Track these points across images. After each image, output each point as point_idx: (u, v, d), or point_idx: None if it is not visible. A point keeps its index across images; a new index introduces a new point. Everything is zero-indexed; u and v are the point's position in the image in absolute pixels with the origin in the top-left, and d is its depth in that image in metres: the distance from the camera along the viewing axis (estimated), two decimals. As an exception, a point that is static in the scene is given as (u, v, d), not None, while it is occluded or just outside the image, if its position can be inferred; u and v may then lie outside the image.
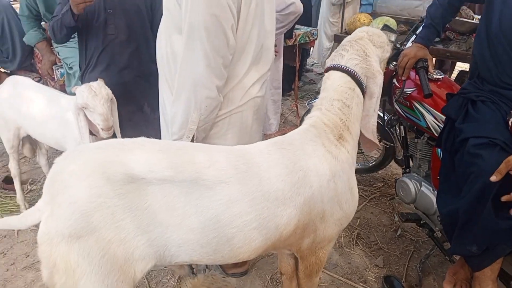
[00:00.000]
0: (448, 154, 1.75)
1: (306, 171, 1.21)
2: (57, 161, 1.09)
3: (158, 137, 2.05)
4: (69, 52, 2.51)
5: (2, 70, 2.98)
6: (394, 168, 3.22)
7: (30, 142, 2.67)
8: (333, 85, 1.34)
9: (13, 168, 2.58)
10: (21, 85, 2.36)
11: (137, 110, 2.32)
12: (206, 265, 2.12)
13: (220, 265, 2.10)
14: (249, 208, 1.13)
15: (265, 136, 3.01)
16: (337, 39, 3.66)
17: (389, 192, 2.96)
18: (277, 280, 2.12)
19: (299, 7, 2.29)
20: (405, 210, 2.23)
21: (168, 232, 1.10)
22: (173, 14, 1.47)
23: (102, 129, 1.92)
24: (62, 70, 2.68)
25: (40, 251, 1.04)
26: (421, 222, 2.11)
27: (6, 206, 2.71)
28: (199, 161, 1.11)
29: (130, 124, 2.31)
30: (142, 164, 1.05)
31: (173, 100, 1.52)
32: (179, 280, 2.10)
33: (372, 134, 1.40)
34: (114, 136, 2.08)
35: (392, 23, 3.54)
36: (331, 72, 1.37)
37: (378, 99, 1.39)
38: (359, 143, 1.43)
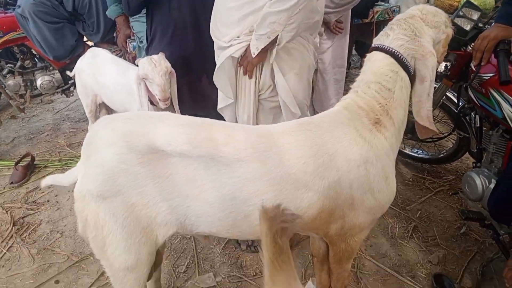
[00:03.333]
0: None
1: (333, 155, 1.16)
2: (93, 126, 1.19)
3: (214, 105, 2.11)
4: (141, 27, 2.65)
5: (88, 42, 3.28)
6: (470, 161, 2.91)
7: (106, 108, 2.94)
8: (373, 67, 1.24)
9: (91, 131, 2.88)
10: (99, 56, 2.60)
11: (196, 80, 2.40)
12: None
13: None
14: (266, 188, 1.12)
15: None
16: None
17: (459, 186, 2.69)
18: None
19: None
20: (471, 207, 2.02)
21: (187, 202, 1.14)
22: None
23: (159, 99, 2.04)
24: (134, 43, 2.85)
25: (75, 206, 1.17)
26: (486, 222, 1.90)
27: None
28: (217, 138, 1.12)
29: (189, 93, 2.41)
30: (162, 137, 1.10)
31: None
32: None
33: (427, 121, 1.28)
34: (172, 107, 2.19)
35: (489, -2, 3.13)
36: (373, 53, 1.27)
37: (432, 83, 1.25)
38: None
